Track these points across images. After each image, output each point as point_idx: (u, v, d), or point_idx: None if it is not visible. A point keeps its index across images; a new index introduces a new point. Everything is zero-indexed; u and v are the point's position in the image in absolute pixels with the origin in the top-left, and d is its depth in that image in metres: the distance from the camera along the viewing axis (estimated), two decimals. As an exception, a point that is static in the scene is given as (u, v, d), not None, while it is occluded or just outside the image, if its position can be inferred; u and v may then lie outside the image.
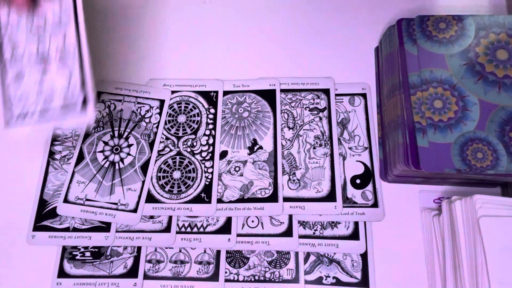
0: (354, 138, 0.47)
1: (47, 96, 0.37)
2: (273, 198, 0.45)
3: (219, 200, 0.45)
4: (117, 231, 0.44)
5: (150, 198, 0.46)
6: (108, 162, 0.47)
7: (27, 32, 0.38)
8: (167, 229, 0.44)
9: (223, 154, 0.47)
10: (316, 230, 0.44)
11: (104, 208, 0.45)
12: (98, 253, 0.44)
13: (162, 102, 0.50)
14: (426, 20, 0.43)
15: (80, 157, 0.47)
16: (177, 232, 0.44)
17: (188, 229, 0.44)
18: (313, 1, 0.55)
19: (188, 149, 0.47)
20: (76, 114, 0.37)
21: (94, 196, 0.45)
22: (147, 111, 0.49)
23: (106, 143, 0.47)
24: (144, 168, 0.47)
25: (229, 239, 0.44)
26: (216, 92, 0.50)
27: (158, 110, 0.49)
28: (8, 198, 0.46)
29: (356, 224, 0.44)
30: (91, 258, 0.44)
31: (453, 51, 0.42)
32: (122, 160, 0.47)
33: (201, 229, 0.44)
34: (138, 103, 0.50)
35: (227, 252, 0.44)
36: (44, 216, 0.45)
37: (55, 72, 0.38)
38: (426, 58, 0.41)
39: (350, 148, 0.47)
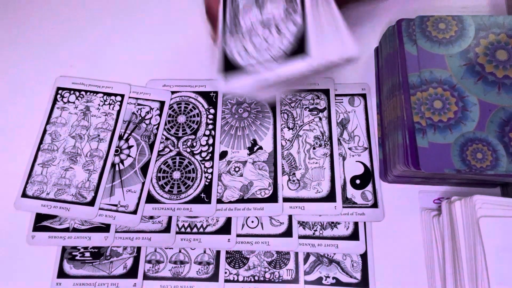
0: (354, 138, 0.47)
1: (66, 181, 0.43)
2: (273, 198, 0.45)
3: (219, 201, 0.45)
4: (116, 232, 0.44)
5: (150, 199, 0.46)
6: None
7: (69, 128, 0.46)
8: (167, 230, 0.44)
9: (223, 155, 0.47)
10: (316, 230, 0.44)
11: (104, 210, 0.45)
12: (97, 254, 0.44)
13: (162, 103, 0.50)
14: (426, 21, 0.43)
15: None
16: (176, 233, 0.44)
17: (188, 230, 0.44)
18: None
19: (188, 150, 0.48)
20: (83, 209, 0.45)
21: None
22: (147, 112, 0.49)
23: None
24: (144, 169, 0.47)
25: (228, 239, 0.44)
26: (216, 92, 0.50)
27: (158, 112, 0.49)
28: (8, 198, 0.46)
29: (356, 224, 0.44)
30: (90, 258, 0.44)
31: (453, 51, 0.41)
32: (122, 161, 0.47)
33: (201, 230, 0.44)
34: (139, 104, 0.50)
35: (227, 252, 0.44)
36: (44, 216, 0.45)
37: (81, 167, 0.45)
38: (426, 58, 0.41)
39: (350, 149, 0.47)
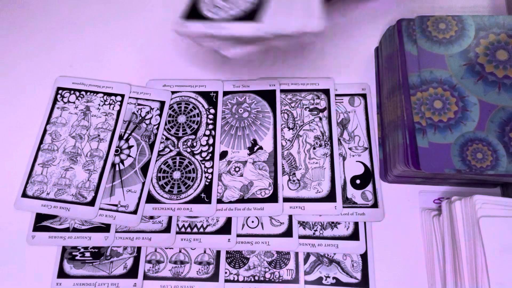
0: (354, 138, 0.47)
1: (66, 181, 0.43)
2: (273, 198, 0.45)
3: (219, 201, 0.45)
4: (117, 232, 0.44)
5: (150, 199, 0.46)
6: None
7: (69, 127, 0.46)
8: (167, 230, 0.44)
9: (223, 155, 0.47)
10: (316, 230, 0.44)
11: (104, 210, 0.45)
12: (98, 254, 0.44)
13: (162, 103, 0.50)
14: (426, 21, 0.43)
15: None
16: (177, 233, 0.44)
17: (188, 230, 0.44)
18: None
19: (188, 150, 0.48)
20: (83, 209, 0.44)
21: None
22: (148, 112, 0.49)
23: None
24: (144, 169, 0.47)
25: (229, 239, 0.44)
26: (216, 92, 0.50)
27: (158, 112, 0.49)
28: (8, 198, 0.46)
29: (356, 224, 0.44)
30: (91, 258, 0.44)
31: (453, 51, 0.42)
32: (122, 161, 0.47)
33: (201, 230, 0.44)
34: (139, 104, 0.50)
35: (227, 252, 0.44)
36: (44, 216, 0.45)
37: (81, 167, 0.45)
38: (426, 58, 0.41)
39: (350, 149, 0.47)
